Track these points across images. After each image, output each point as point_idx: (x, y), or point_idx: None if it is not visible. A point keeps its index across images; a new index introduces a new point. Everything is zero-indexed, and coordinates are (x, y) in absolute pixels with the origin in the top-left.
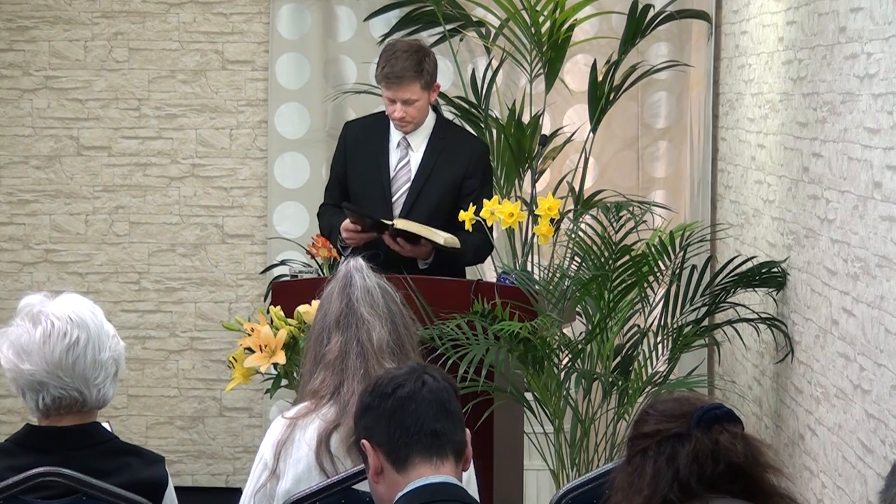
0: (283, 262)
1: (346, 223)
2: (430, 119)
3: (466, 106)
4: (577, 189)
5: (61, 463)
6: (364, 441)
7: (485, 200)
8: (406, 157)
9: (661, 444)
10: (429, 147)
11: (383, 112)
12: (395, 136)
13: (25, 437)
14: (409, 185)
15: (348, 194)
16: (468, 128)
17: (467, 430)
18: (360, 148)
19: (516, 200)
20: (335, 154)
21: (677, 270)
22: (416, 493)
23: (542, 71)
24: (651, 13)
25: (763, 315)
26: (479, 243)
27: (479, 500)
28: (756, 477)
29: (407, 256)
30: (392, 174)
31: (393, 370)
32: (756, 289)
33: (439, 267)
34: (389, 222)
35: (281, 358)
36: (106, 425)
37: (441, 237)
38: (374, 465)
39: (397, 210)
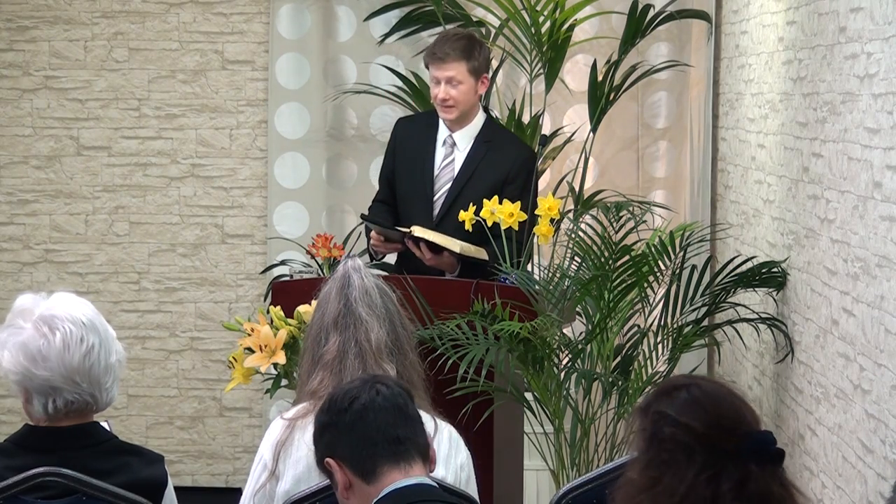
0: (283, 262)
1: (374, 234)
2: (479, 119)
3: None
4: (577, 189)
5: (60, 463)
6: (328, 459)
7: (484, 200)
8: (451, 155)
9: (710, 455)
10: (473, 148)
11: (434, 110)
12: (442, 133)
13: (24, 438)
14: (450, 184)
15: (395, 192)
16: None
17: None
18: (407, 144)
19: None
20: (386, 149)
21: (677, 270)
22: (390, 499)
23: (542, 71)
24: (651, 13)
25: (763, 315)
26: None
27: (478, 500)
28: None
29: (430, 265)
30: (436, 172)
31: (345, 385)
32: (756, 289)
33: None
34: (406, 230)
35: (281, 358)
36: (105, 425)
37: (457, 245)
38: (342, 481)
39: (437, 209)
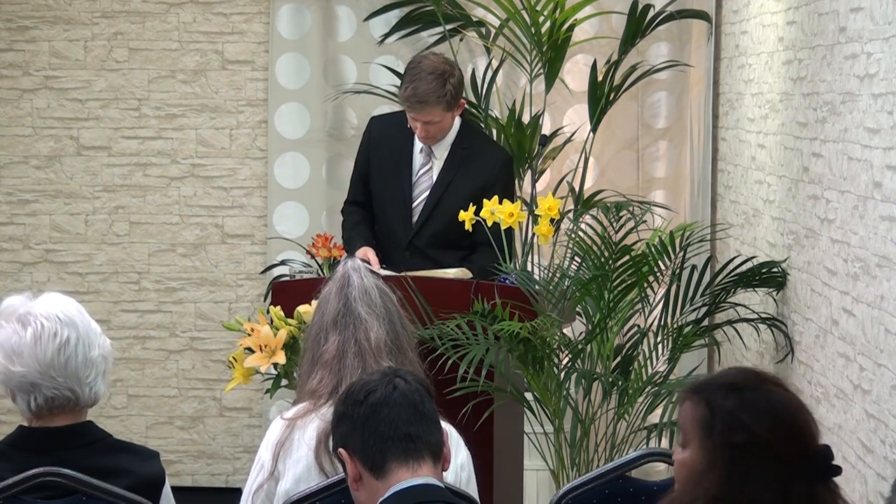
0: (283, 262)
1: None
2: (455, 126)
3: (467, 106)
4: (577, 189)
5: (57, 463)
6: (341, 450)
7: (485, 200)
8: (429, 163)
9: (777, 466)
10: (450, 156)
11: None
12: (419, 141)
13: (19, 439)
14: (429, 192)
15: (370, 191)
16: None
17: (446, 429)
18: (383, 146)
19: (516, 200)
20: (360, 148)
21: (677, 270)
22: (396, 498)
23: (542, 71)
24: (651, 13)
25: (763, 315)
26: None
27: (478, 499)
28: None
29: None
30: (414, 179)
31: (366, 376)
32: (756, 289)
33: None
34: (399, 275)
35: (281, 358)
36: None
37: (451, 273)
38: (352, 472)
39: (416, 216)
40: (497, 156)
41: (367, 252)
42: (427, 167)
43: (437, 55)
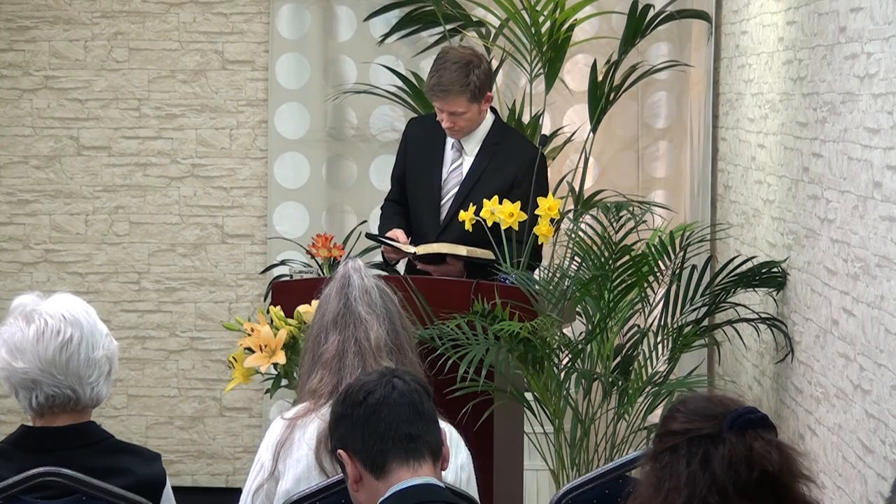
0: (283, 262)
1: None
2: (487, 122)
3: None
4: (577, 189)
5: (58, 463)
6: (340, 451)
7: (484, 200)
8: (459, 159)
9: (692, 444)
10: (481, 152)
11: None
12: (451, 137)
13: (21, 439)
14: (457, 188)
15: (406, 192)
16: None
17: (446, 429)
18: (418, 146)
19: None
20: (398, 150)
21: (677, 270)
22: (397, 498)
23: (542, 71)
24: (651, 13)
25: (763, 315)
26: (526, 255)
27: (478, 499)
28: (788, 486)
29: (439, 275)
30: (444, 176)
31: (364, 377)
32: (756, 289)
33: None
34: (412, 250)
35: (281, 358)
36: None
37: (464, 249)
38: (352, 473)
39: (444, 213)
40: (526, 152)
41: (396, 232)
42: (458, 163)
43: (466, 47)
